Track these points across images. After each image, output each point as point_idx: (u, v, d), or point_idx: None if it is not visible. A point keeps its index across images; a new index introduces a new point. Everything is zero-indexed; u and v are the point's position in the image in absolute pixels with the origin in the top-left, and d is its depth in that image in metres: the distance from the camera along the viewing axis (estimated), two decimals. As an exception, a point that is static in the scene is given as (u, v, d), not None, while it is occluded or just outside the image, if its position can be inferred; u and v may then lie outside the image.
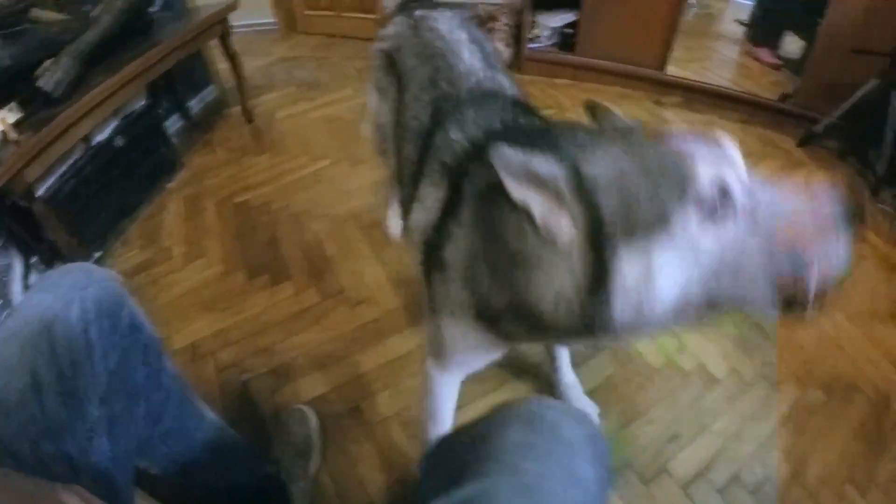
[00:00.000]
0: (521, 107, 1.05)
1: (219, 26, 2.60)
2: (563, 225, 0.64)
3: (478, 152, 0.90)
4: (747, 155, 0.62)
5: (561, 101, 3.00)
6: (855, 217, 0.57)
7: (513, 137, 0.82)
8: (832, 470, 1.42)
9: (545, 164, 0.62)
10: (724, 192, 0.59)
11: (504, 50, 3.32)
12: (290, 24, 4.27)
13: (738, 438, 1.46)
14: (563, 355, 1.45)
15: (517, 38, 3.33)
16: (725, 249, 0.60)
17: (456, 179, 0.91)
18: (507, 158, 0.63)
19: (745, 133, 2.81)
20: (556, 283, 0.67)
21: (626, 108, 2.86)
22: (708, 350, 1.67)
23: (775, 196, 0.61)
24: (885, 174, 2.47)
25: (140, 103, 2.31)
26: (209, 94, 3.11)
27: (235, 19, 2.70)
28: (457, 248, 0.88)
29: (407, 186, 1.12)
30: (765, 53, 3.79)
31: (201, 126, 2.86)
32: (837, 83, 2.71)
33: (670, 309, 0.63)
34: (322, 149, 2.61)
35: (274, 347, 1.60)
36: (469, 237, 0.86)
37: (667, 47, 3.16)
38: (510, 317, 0.79)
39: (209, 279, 1.86)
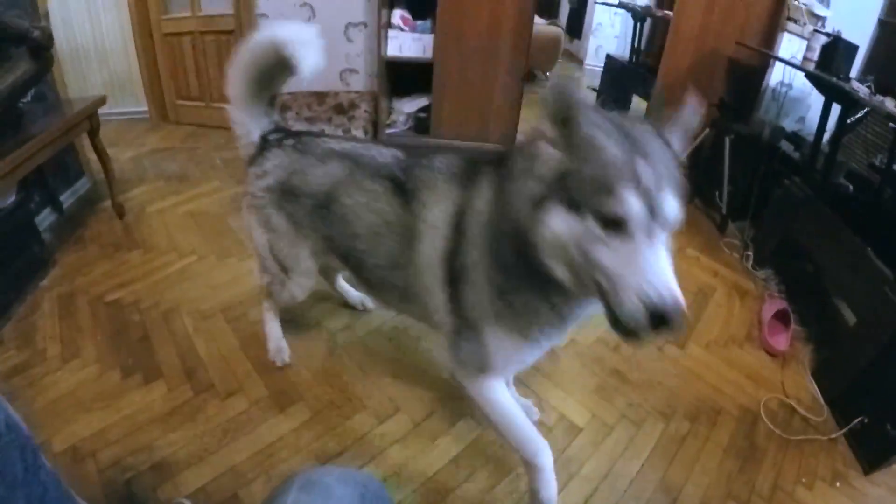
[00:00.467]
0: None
1: (88, 121, 2.63)
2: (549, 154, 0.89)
3: (469, 171, 1.15)
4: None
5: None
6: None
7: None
8: (711, 490, 1.57)
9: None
10: (623, 219, 0.80)
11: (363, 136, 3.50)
12: (161, 113, 4.29)
13: (609, 478, 1.59)
14: None
15: (375, 123, 3.50)
16: (603, 251, 0.82)
17: (460, 194, 1.13)
18: (579, 102, 0.86)
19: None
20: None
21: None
22: (567, 402, 1.83)
23: (656, 260, 0.80)
24: (728, 210, 2.82)
25: (10, 199, 2.28)
26: (82, 186, 3.11)
27: (110, 107, 2.76)
28: (474, 246, 1.08)
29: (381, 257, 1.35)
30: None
31: (74, 220, 2.86)
32: (676, 135, 3.08)
33: (564, 260, 0.88)
34: (190, 244, 2.72)
35: (153, 444, 1.65)
36: (481, 231, 1.06)
37: (513, 123, 3.45)
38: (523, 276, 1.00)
39: (85, 379, 1.87)
